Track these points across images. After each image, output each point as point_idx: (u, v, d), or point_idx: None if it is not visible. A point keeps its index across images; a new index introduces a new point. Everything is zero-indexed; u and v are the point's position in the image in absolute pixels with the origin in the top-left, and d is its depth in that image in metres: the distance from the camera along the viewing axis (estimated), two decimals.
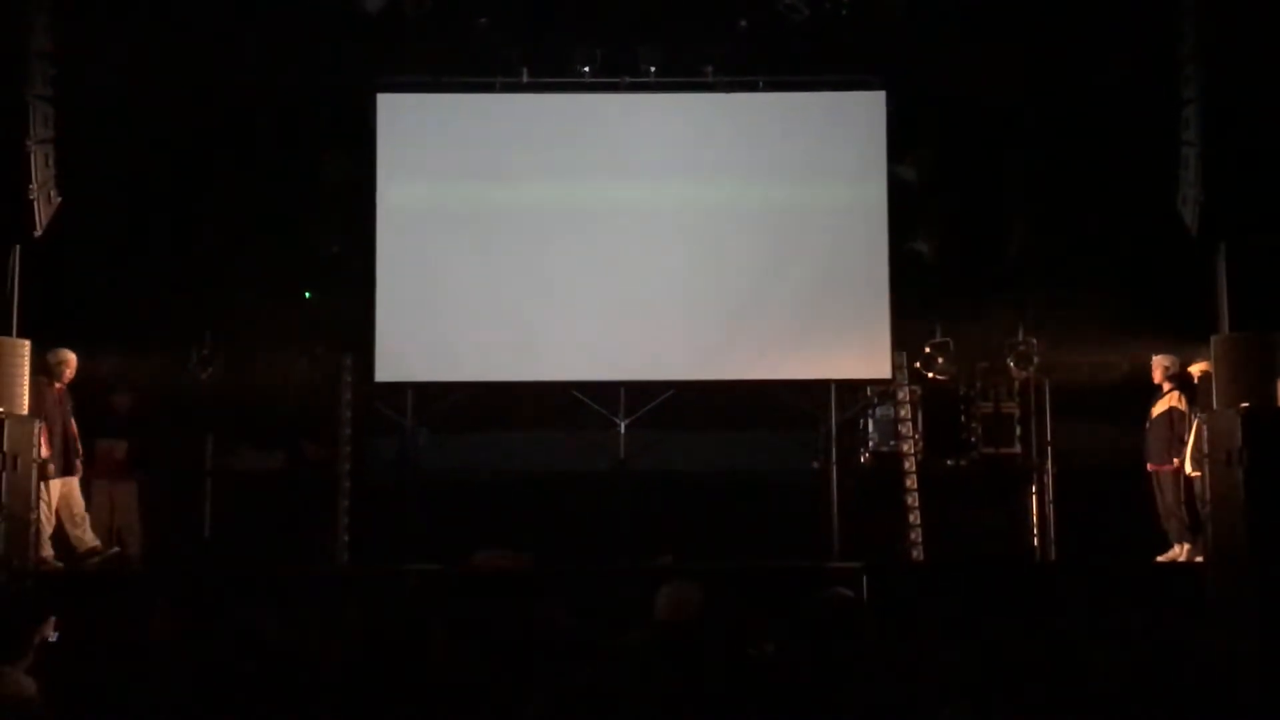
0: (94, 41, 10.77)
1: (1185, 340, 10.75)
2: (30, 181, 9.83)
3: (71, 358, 10.53)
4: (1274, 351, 9.91)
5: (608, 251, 12.08)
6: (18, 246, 10.09)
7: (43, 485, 10.09)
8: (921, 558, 11.30)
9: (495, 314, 12.01)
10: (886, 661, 4.42)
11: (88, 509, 10.57)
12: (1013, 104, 12.35)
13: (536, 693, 4.15)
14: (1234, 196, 10.02)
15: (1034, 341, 11.95)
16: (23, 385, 9.76)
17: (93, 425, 11.00)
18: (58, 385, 10.44)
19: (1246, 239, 10.19)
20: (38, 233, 9.99)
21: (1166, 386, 10.69)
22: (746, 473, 12.29)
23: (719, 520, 11.44)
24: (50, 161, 10.07)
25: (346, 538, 11.46)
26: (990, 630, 5.17)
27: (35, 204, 9.87)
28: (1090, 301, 12.17)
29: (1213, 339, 10.24)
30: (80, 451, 10.54)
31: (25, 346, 9.88)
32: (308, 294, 12.53)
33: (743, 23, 11.97)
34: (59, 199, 10.14)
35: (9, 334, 9.90)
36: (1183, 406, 10.55)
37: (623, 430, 12.22)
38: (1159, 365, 10.76)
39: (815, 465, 12.41)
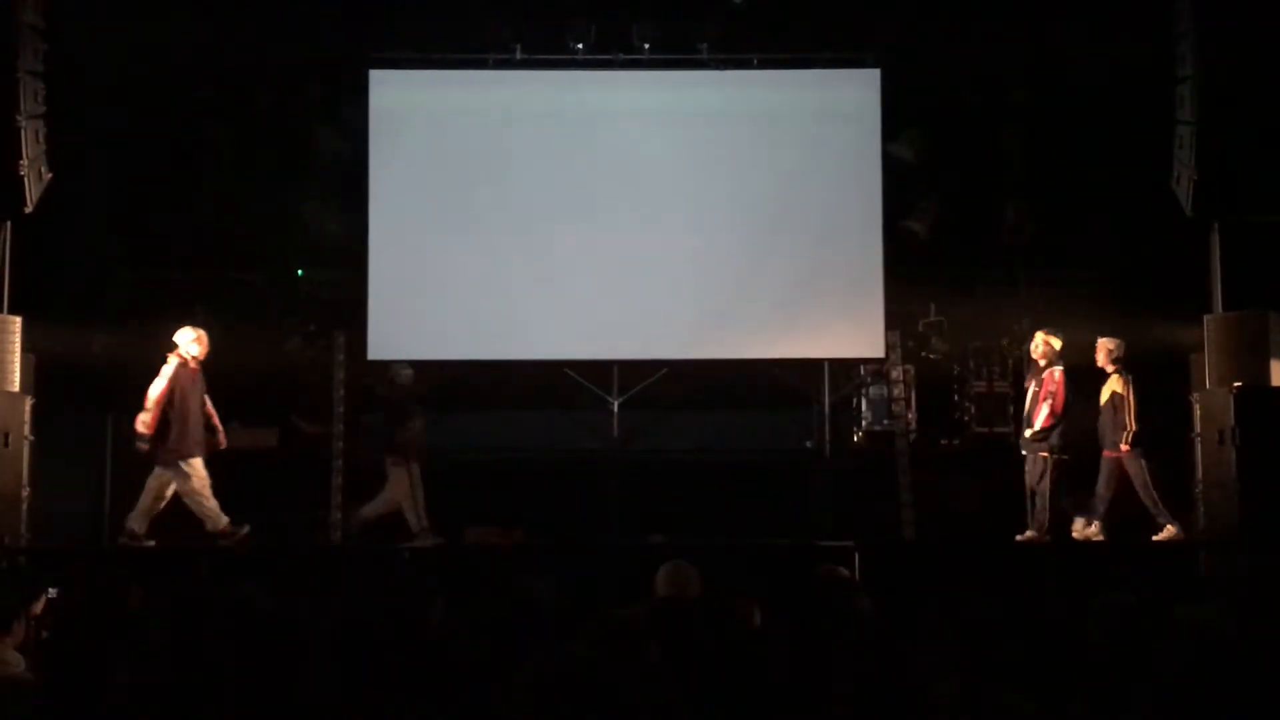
0: (85, 16, 10.72)
1: (1178, 319, 10.74)
2: (21, 157, 9.81)
3: (203, 336, 10.34)
4: (1266, 331, 9.94)
5: (601, 229, 12.02)
6: (8, 222, 10.09)
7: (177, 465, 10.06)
8: (914, 537, 11.32)
9: (488, 292, 11.96)
10: (878, 640, 4.41)
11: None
12: (1007, 83, 12.33)
13: (527, 669, 4.14)
14: (1228, 175, 10.03)
15: (1027, 321, 11.93)
16: (13, 362, 9.75)
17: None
18: (192, 365, 10.28)
19: (1240, 218, 10.22)
20: (28, 209, 9.97)
21: (1110, 369, 10.29)
22: (740, 451, 12.27)
23: (712, 499, 11.43)
24: (41, 137, 10.05)
25: (339, 515, 11.44)
26: (982, 609, 5.17)
27: (26, 180, 9.86)
28: (1084, 281, 12.18)
29: (1206, 318, 10.26)
30: (219, 429, 10.44)
31: (16, 323, 9.87)
32: (300, 271, 12.48)
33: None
34: (50, 175, 10.11)
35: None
36: (1123, 390, 10.17)
37: (616, 409, 12.21)
38: (1103, 348, 10.31)
39: (809, 444, 12.41)
